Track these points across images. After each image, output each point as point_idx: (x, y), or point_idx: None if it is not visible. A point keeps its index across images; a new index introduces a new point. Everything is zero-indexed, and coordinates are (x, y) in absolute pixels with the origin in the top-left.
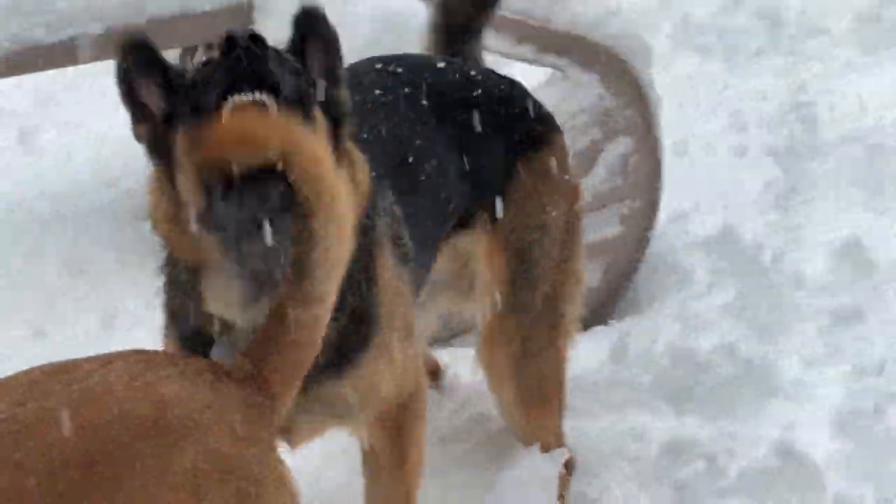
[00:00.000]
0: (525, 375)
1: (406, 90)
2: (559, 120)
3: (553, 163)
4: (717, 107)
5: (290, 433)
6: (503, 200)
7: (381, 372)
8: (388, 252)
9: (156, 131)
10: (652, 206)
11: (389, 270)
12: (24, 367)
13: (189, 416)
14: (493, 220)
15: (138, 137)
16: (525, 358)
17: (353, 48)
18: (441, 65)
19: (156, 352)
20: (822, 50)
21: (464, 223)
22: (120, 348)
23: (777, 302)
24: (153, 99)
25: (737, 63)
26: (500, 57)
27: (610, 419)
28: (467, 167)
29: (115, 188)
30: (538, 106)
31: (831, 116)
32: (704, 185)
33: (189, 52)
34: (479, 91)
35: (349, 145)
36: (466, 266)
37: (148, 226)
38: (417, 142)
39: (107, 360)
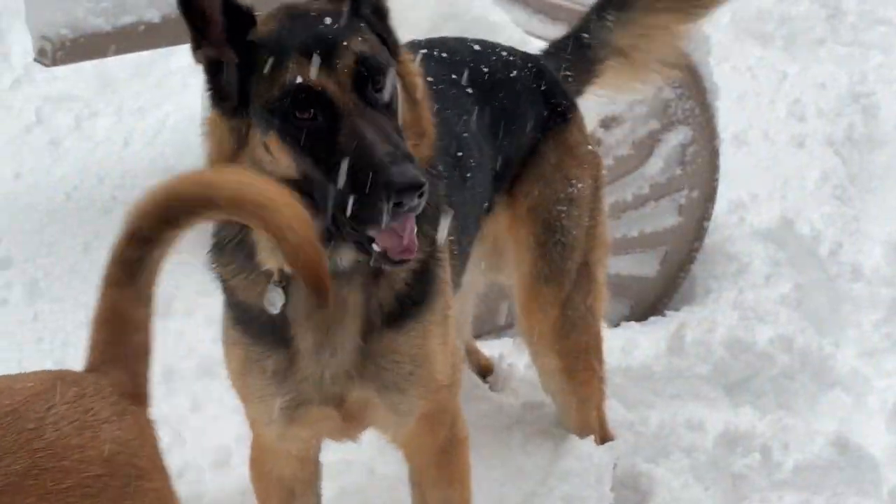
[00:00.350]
0: (566, 343)
1: (454, 77)
2: (617, 110)
3: (577, 135)
4: (777, 96)
5: (343, 412)
6: (528, 176)
7: (437, 336)
8: (449, 225)
9: (221, 65)
10: (710, 196)
11: (447, 250)
12: (82, 353)
13: (130, 463)
14: (515, 195)
15: (199, 61)
16: (565, 326)
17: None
18: (476, 47)
19: (81, 377)
20: (883, 40)
21: (489, 207)
22: (176, 334)
23: (834, 293)
24: (216, 28)
25: (797, 53)
26: None
27: (666, 410)
28: (501, 154)
29: (171, 175)
30: (559, 81)
31: (891, 107)
32: (763, 175)
33: None
34: (514, 72)
35: (404, 56)
36: (494, 244)
37: None
38: (466, 135)
39: (49, 399)
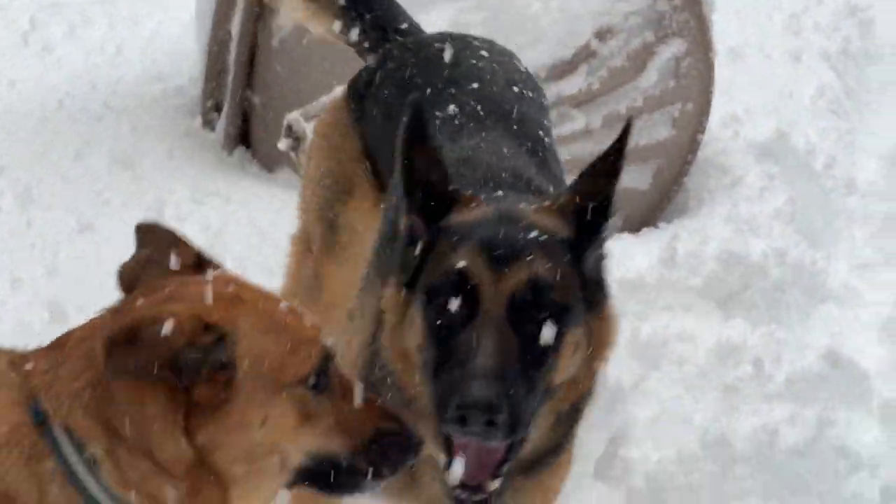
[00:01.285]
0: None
1: None
2: (612, 21)
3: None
4: (773, 11)
5: None
6: None
7: (565, 467)
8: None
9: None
10: (704, 109)
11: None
12: (73, 260)
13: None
14: None
15: (405, 225)
16: None
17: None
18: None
19: None
20: None
21: None
22: None
23: (828, 207)
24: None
25: None
26: None
27: (659, 321)
28: None
29: (164, 83)
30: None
31: (887, 21)
32: (758, 89)
33: None
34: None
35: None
36: None
37: (196, 122)
38: None
39: None
